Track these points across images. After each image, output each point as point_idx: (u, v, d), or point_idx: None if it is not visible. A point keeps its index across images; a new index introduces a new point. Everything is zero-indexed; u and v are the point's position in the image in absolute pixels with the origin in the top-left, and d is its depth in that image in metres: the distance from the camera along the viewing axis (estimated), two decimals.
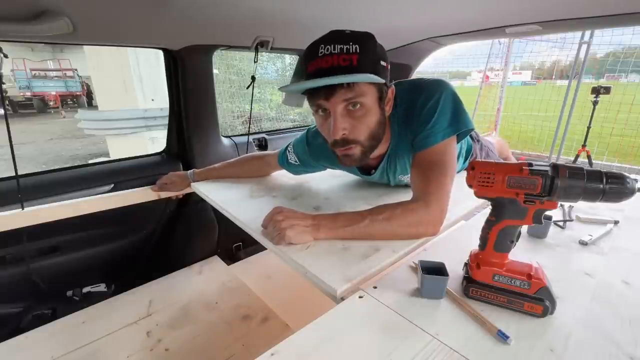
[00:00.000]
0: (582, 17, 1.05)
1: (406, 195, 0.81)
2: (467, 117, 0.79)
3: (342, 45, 0.67)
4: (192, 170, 1.22)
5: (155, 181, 1.25)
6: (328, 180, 1.18)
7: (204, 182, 1.21)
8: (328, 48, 0.68)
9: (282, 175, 1.25)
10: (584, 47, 3.76)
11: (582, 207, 0.92)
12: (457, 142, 0.82)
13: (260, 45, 1.29)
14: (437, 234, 0.75)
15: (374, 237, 0.73)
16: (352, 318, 0.53)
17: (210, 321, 1.15)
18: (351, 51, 0.67)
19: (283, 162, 1.12)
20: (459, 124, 0.78)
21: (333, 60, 0.68)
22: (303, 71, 0.75)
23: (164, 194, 1.24)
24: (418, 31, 1.41)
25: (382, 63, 0.72)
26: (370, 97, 0.72)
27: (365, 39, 0.69)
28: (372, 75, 0.67)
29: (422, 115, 0.78)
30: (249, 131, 1.58)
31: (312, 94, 0.72)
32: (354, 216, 0.74)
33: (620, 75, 4.70)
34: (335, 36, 0.69)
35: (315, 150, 1.02)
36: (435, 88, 0.79)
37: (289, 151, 1.10)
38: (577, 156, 3.63)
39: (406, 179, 0.97)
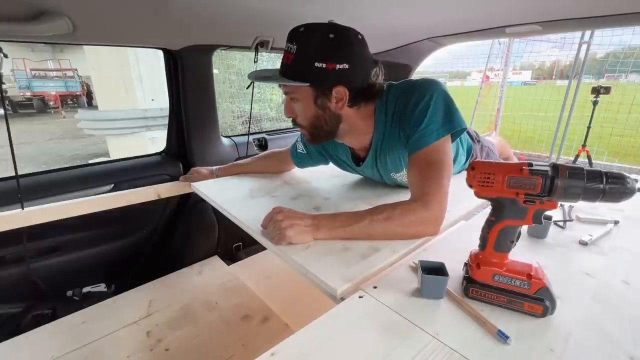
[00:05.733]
0: (582, 17, 1.05)
1: (406, 196, 0.81)
2: (459, 116, 0.79)
3: (288, 43, 0.75)
4: (217, 167, 1.28)
5: (156, 181, 1.25)
6: (328, 180, 1.18)
7: (204, 182, 1.21)
8: (286, 43, 0.76)
9: (281, 175, 1.25)
10: (584, 47, 3.76)
11: (582, 207, 0.92)
12: (453, 142, 0.82)
13: (260, 45, 1.29)
14: (437, 233, 0.75)
15: (374, 237, 0.73)
16: (352, 318, 0.53)
17: (210, 321, 1.15)
18: (291, 51, 0.74)
19: (293, 153, 1.17)
20: (452, 123, 0.78)
21: (283, 55, 0.77)
22: None
23: (164, 194, 1.24)
24: (418, 31, 1.41)
25: (318, 65, 0.73)
26: (302, 95, 0.79)
27: (307, 37, 0.73)
28: (288, 81, 0.75)
29: (414, 117, 0.78)
30: (249, 131, 1.58)
31: None
32: (354, 216, 0.74)
33: (620, 75, 4.69)
34: (292, 32, 0.75)
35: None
36: (426, 88, 0.79)
37: (298, 141, 1.14)
38: (577, 156, 3.63)
39: (400, 177, 0.98)
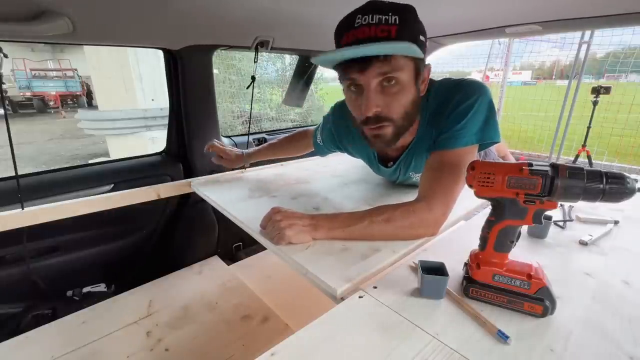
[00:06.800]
0: (582, 17, 1.05)
1: (406, 197, 0.80)
2: (496, 128, 0.75)
3: (380, 16, 0.63)
4: (245, 153, 1.22)
5: (156, 181, 1.25)
6: (328, 180, 1.18)
7: (204, 182, 1.21)
8: (365, 18, 0.63)
9: (281, 175, 1.25)
10: (584, 47, 3.76)
11: (582, 207, 0.92)
12: (478, 151, 0.79)
13: (260, 45, 1.29)
14: (436, 234, 0.75)
15: (374, 238, 0.73)
16: (352, 318, 0.52)
17: (210, 321, 1.15)
18: (390, 22, 0.62)
19: (315, 141, 1.14)
20: (486, 133, 0.74)
21: (370, 31, 0.63)
22: (336, 43, 0.71)
23: (164, 194, 1.24)
24: None
25: (422, 38, 0.67)
26: (406, 72, 0.67)
27: (405, 11, 0.65)
28: (412, 46, 0.62)
29: (454, 115, 0.74)
30: (249, 131, 1.58)
31: (345, 67, 0.67)
32: (353, 217, 0.73)
33: (620, 75, 4.69)
34: (374, 6, 0.65)
35: (339, 128, 1.00)
36: (473, 90, 0.75)
37: (319, 130, 1.11)
38: (577, 156, 3.63)
39: (416, 177, 0.95)
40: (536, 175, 0.49)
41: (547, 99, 4.87)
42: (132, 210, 1.19)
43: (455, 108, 0.74)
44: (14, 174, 1.01)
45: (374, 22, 0.63)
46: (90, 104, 13.62)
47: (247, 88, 1.38)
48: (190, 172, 1.43)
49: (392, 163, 0.93)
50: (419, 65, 0.70)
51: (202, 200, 1.13)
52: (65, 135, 9.06)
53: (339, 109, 1.00)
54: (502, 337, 0.48)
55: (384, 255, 0.68)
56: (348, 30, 0.66)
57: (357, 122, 0.76)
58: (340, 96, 0.88)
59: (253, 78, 1.36)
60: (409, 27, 0.64)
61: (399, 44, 0.63)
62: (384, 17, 0.63)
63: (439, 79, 0.83)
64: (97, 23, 0.93)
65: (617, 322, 0.51)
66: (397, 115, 0.71)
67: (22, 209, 0.98)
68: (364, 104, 0.69)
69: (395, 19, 0.63)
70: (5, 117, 0.84)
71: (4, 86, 0.94)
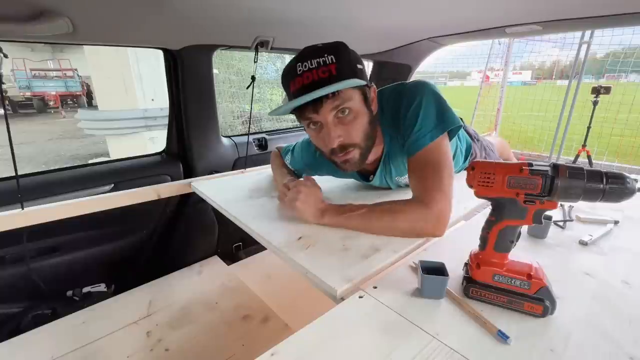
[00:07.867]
0: (582, 17, 1.05)
1: (407, 196, 0.80)
2: (451, 114, 0.79)
3: (318, 59, 0.70)
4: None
5: (156, 181, 1.25)
6: (328, 180, 1.18)
7: (204, 182, 1.21)
8: (306, 64, 0.70)
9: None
10: (584, 47, 3.75)
11: (582, 207, 0.92)
12: (451, 140, 0.82)
13: (260, 45, 1.29)
14: (442, 234, 0.74)
15: (375, 230, 0.76)
16: (352, 318, 0.53)
17: (210, 321, 1.15)
18: (327, 62, 0.70)
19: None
20: (445, 122, 0.77)
21: (313, 75, 0.70)
22: (285, 90, 0.78)
23: (164, 194, 1.24)
24: (418, 31, 1.41)
25: (359, 66, 0.74)
26: (356, 100, 0.74)
27: (338, 48, 0.72)
28: (353, 80, 0.69)
29: (407, 120, 0.79)
30: (249, 131, 1.58)
31: (301, 111, 0.74)
32: (358, 207, 0.79)
33: (621, 75, 4.68)
34: (309, 52, 0.71)
35: (312, 161, 1.04)
36: (415, 91, 0.80)
37: (289, 161, 1.11)
38: (577, 156, 3.63)
39: (404, 180, 0.98)
40: (536, 175, 0.49)
41: (547, 99, 4.86)
42: (132, 210, 1.19)
43: (406, 113, 0.79)
44: (14, 174, 1.01)
45: (313, 66, 0.70)
46: (90, 104, 13.60)
47: (247, 88, 1.38)
48: (190, 172, 1.43)
49: (372, 176, 0.98)
50: (365, 91, 0.76)
51: (202, 200, 1.13)
52: (65, 135, 9.06)
53: (307, 144, 1.04)
54: (502, 337, 0.48)
55: (384, 255, 0.68)
56: (293, 79, 0.72)
57: (326, 155, 0.82)
58: None
59: (253, 78, 1.36)
60: (346, 61, 0.71)
61: (341, 82, 0.68)
62: (321, 60, 0.70)
63: (385, 87, 0.88)
64: (97, 23, 0.93)
65: (617, 322, 0.51)
66: (359, 139, 0.77)
67: (22, 209, 0.99)
68: (326, 138, 0.75)
69: (331, 58, 0.69)
70: (5, 117, 0.84)
71: (4, 86, 0.94)
